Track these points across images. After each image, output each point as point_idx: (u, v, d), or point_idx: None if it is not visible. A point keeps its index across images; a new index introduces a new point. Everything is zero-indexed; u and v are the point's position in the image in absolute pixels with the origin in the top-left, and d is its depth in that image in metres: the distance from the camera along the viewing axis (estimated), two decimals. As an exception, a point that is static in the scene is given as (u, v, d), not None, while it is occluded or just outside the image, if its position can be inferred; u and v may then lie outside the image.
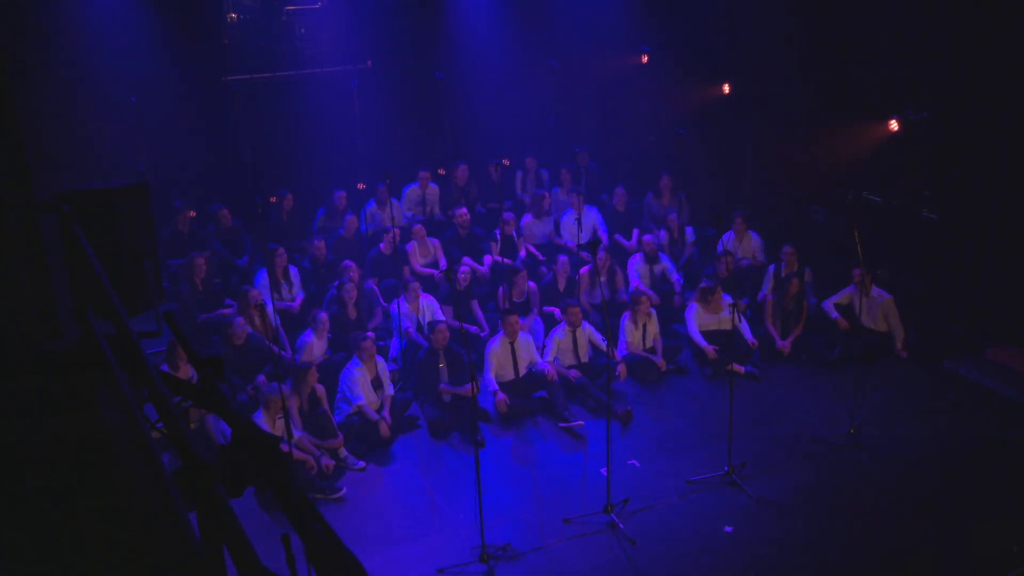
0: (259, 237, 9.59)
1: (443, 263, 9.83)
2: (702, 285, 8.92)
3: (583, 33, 12.28)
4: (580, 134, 12.19)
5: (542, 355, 8.42)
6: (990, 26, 8.49)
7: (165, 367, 7.35)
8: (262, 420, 6.79)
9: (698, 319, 8.83)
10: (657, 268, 9.93)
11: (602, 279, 8.97)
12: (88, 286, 2.64)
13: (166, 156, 10.56)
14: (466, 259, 10.12)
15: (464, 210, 10.43)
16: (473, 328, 8.99)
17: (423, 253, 9.98)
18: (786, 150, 11.02)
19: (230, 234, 10.20)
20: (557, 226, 10.84)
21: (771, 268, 9.60)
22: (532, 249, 10.53)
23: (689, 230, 10.75)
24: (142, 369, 2.25)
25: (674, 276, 9.92)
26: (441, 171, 11.92)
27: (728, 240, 10.15)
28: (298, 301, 9.20)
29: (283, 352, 8.34)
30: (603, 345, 8.40)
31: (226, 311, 8.98)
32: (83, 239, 2.66)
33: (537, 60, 12.18)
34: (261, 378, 7.86)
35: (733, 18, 11.55)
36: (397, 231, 9.79)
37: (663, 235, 10.71)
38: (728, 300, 8.17)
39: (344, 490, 6.93)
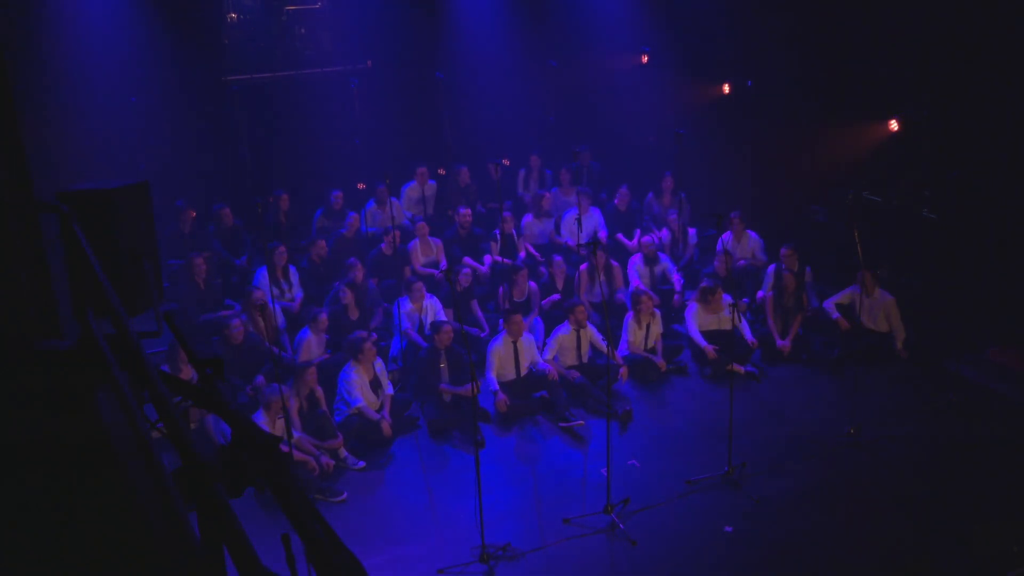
0: (259, 237, 9.60)
1: (443, 263, 9.83)
2: (702, 285, 8.92)
3: (583, 33, 12.28)
4: (580, 134, 12.20)
5: (542, 354, 8.42)
6: (990, 26, 8.49)
7: (166, 368, 7.36)
8: (262, 421, 6.79)
9: (698, 319, 8.83)
10: (657, 268, 9.93)
11: (601, 278, 8.98)
12: (88, 286, 2.64)
13: (166, 156, 10.56)
14: (466, 259, 10.13)
15: (466, 210, 10.43)
16: (473, 329, 8.99)
17: (425, 252, 9.99)
18: (786, 150, 11.02)
19: (230, 233, 10.20)
20: (557, 225, 10.84)
21: (771, 268, 9.60)
22: (531, 249, 10.54)
23: (692, 231, 10.76)
24: (142, 369, 2.25)
25: (674, 276, 9.92)
26: (441, 171, 11.92)
27: (727, 240, 10.15)
28: (297, 300, 9.20)
29: (283, 353, 8.34)
30: (603, 346, 8.40)
31: (226, 312, 8.99)
32: (83, 239, 2.66)
33: (537, 60, 12.18)
34: (260, 378, 7.86)
35: (733, 18, 11.55)
36: (397, 232, 9.80)
37: (665, 235, 10.72)
38: (728, 300, 8.17)
39: (345, 494, 6.93)
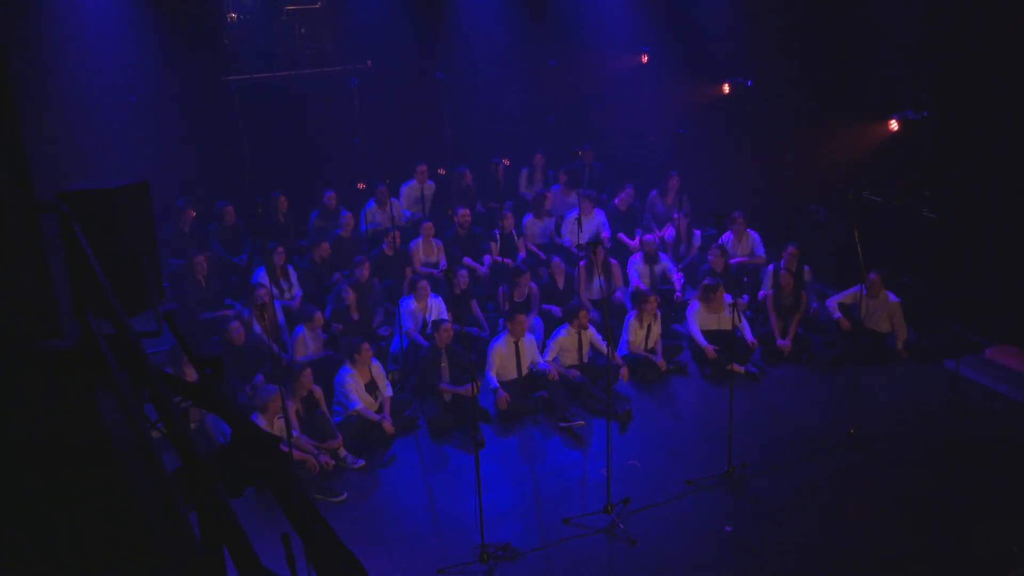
0: (259, 237, 9.60)
1: (443, 263, 9.84)
2: (704, 283, 8.91)
3: (583, 33, 12.29)
4: (580, 134, 12.20)
5: (542, 356, 8.42)
6: (990, 26, 8.48)
7: (169, 370, 7.35)
8: (260, 422, 6.79)
9: (700, 318, 8.83)
10: (657, 268, 9.93)
11: (600, 277, 8.99)
12: (88, 286, 2.64)
13: (166, 156, 10.56)
14: (466, 259, 10.13)
15: (464, 210, 10.43)
16: (473, 329, 8.99)
17: (427, 252, 9.99)
18: (786, 150, 11.03)
19: (231, 233, 10.21)
20: (558, 225, 10.84)
21: (771, 267, 9.60)
22: (533, 248, 10.55)
23: (697, 233, 10.75)
24: (142, 369, 2.25)
25: (674, 276, 9.92)
26: (441, 171, 11.92)
27: (728, 240, 10.15)
28: (297, 299, 9.21)
29: (283, 352, 8.35)
30: (603, 346, 8.40)
31: (227, 312, 9.00)
32: (83, 239, 2.66)
33: (537, 60, 12.18)
34: (259, 378, 7.86)
35: (733, 18, 11.55)
36: (397, 233, 9.80)
37: (669, 234, 10.72)
38: (729, 300, 8.17)
39: (345, 494, 6.93)
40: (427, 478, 7.20)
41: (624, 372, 8.24)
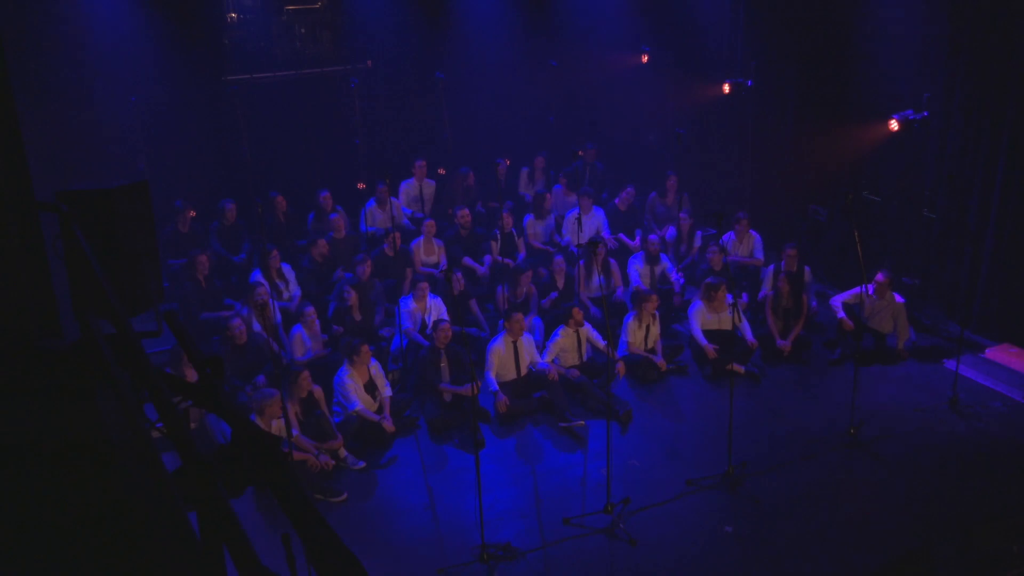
0: (259, 237, 9.61)
1: (444, 263, 9.84)
2: (707, 281, 8.91)
3: (583, 33, 12.28)
4: (580, 134, 12.20)
5: (541, 358, 8.41)
6: (991, 25, 8.48)
7: (169, 371, 7.35)
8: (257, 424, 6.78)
9: (700, 317, 8.82)
10: (657, 268, 9.93)
11: (600, 275, 9.00)
12: (88, 286, 2.64)
13: (166, 156, 10.57)
14: (466, 259, 10.13)
15: (463, 210, 10.43)
16: (473, 330, 8.99)
17: (427, 252, 9.99)
18: (786, 150, 11.02)
19: (231, 232, 10.21)
20: (559, 225, 10.84)
21: (771, 267, 9.59)
22: (538, 244, 10.55)
23: (699, 234, 10.76)
24: (142, 369, 2.25)
25: (674, 276, 9.92)
26: (441, 171, 11.93)
27: (729, 240, 10.15)
28: (296, 298, 9.21)
29: (283, 352, 8.35)
30: (602, 344, 8.40)
31: (227, 312, 9.00)
32: (83, 239, 2.66)
33: (537, 60, 12.18)
34: (261, 378, 7.86)
35: (733, 18, 11.55)
36: (398, 234, 9.81)
37: (670, 234, 10.72)
38: (730, 300, 8.17)
39: (345, 494, 6.93)
40: (427, 478, 7.20)
41: (620, 367, 8.23)
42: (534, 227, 10.74)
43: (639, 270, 9.89)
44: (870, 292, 8.65)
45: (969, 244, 9.15)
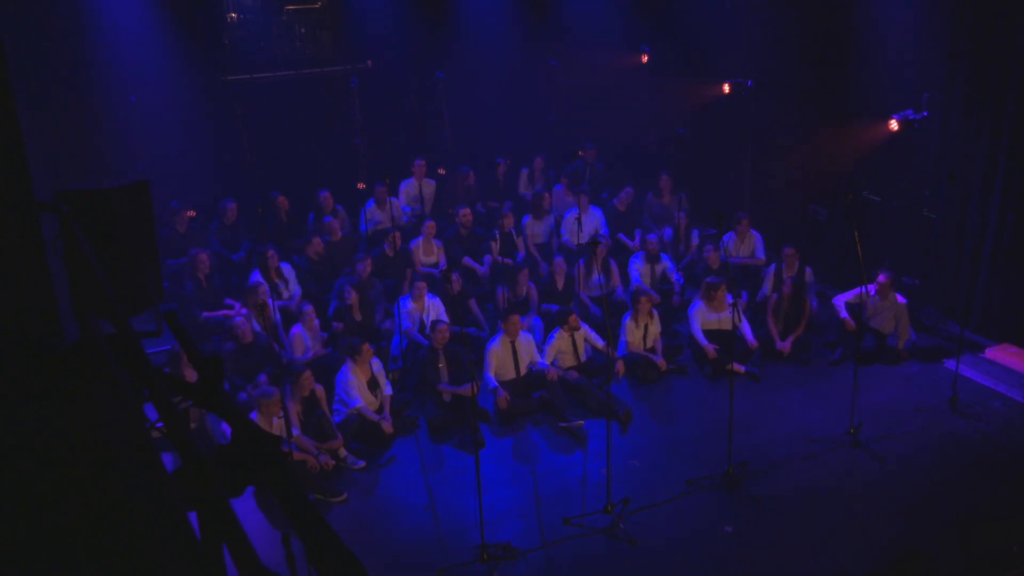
0: (259, 237, 9.61)
1: (443, 263, 9.84)
2: (706, 280, 8.91)
3: (583, 33, 12.29)
4: (580, 134, 12.20)
5: (541, 356, 8.41)
6: (991, 25, 8.48)
7: (167, 371, 7.34)
8: (257, 423, 6.77)
9: (701, 317, 8.82)
10: (658, 268, 9.93)
11: (600, 274, 9.00)
12: (88, 286, 2.64)
13: (166, 156, 10.57)
14: (466, 259, 10.13)
15: (464, 210, 10.43)
16: (472, 330, 8.99)
17: (427, 252, 9.99)
18: (786, 150, 11.02)
19: (231, 232, 10.21)
20: (558, 224, 10.85)
21: (771, 268, 9.59)
22: (532, 248, 10.54)
23: (695, 232, 10.76)
24: (142, 369, 2.25)
25: (674, 276, 9.92)
26: (441, 171, 11.93)
27: (729, 240, 10.15)
28: (296, 297, 9.21)
29: (283, 352, 8.35)
30: (600, 344, 8.40)
31: (227, 312, 9.00)
32: (83, 239, 2.66)
33: (537, 60, 12.18)
34: (263, 378, 7.86)
35: (733, 18, 11.55)
36: (398, 234, 9.81)
37: (668, 234, 10.72)
38: (730, 300, 8.17)
39: (345, 494, 6.93)
40: (427, 478, 7.20)
41: (620, 367, 8.23)
42: (533, 227, 10.74)
43: (640, 269, 9.89)
44: (871, 292, 8.65)
45: (969, 244, 9.15)
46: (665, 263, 9.99)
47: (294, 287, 9.34)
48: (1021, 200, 8.54)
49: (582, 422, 7.80)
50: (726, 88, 11.60)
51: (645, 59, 12.35)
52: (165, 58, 10.35)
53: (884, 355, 8.77)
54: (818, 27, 10.30)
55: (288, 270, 9.39)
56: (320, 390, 7.48)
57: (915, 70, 9.34)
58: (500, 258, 9.84)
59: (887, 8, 9.47)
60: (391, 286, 9.52)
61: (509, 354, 8.14)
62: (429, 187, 11.26)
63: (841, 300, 8.95)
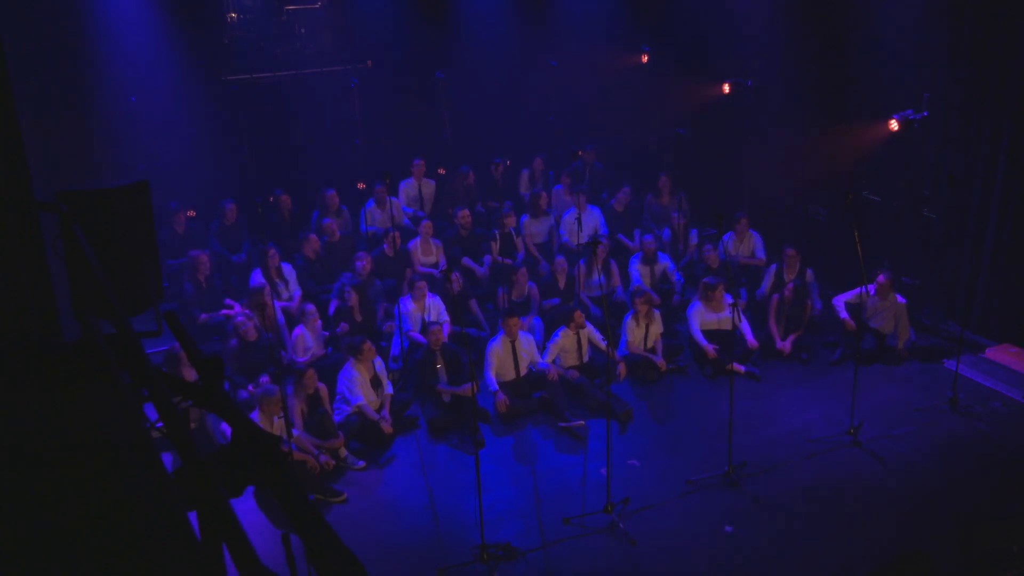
0: (260, 237, 9.61)
1: (443, 263, 9.84)
2: (704, 281, 8.91)
3: (583, 33, 12.27)
4: (580, 134, 12.19)
5: (542, 358, 8.41)
6: (991, 26, 8.48)
7: (165, 371, 7.34)
8: (258, 422, 6.78)
9: (700, 317, 8.82)
10: (658, 268, 9.93)
11: (600, 274, 8.99)
12: (88, 286, 2.64)
13: (166, 156, 10.57)
14: (465, 259, 10.13)
15: (463, 210, 10.43)
16: (472, 330, 8.99)
17: (425, 252, 9.98)
18: (786, 150, 11.01)
19: (231, 232, 10.21)
20: (558, 224, 10.84)
21: (772, 268, 9.59)
22: (531, 248, 10.54)
23: (693, 232, 10.75)
24: (142, 369, 2.25)
25: (674, 276, 9.92)
26: (441, 171, 11.92)
27: (729, 240, 10.14)
28: (296, 298, 9.20)
29: (283, 352, 8.35)
30: (602, 344, 8.40)
31: (227, 312, 9.00)
32: (83, 239, 2.66)
33: (537, 60, 12.17)
34: (265, 378, 7.86)
35: (733, 18, 11.54)
36: (397, 234, 9.80)
37: (666, 234, 10.71)
38: (729, 300, 8.17)
39: (345, 494, 6.93)
40: (427, 478, 7.20)
41: (622, 369, 8.24)
42: (531, 226, 10.72)
43: (640, 270, 9.89)
44: (871, 292, 8.65)
45: (969, 244, 9.15)
46: (665, 263, 9.98)
47: (294, 288, 9.33)
48: (1021, 200, 8.54)
49: (583, 422, 7.80)
50: (726, 88, 11.59)
51: (645, 59, 12.33)
52: (165, 58, 10.35)
53: (884, 355, 8.77)
54: (818, 27, 10.30)
55: (289, 271, 9.38)
56: (323, 388, 7.50)
57: (915, 70, 9.34)
58: (500, 258, 9.84)
59: (887, 8, 9.47)
60: (391, 286, 9.52)
61: (509, 354, 8.14)
62: (429, 187, 11.26)
63: (841, 300, 8.94)
